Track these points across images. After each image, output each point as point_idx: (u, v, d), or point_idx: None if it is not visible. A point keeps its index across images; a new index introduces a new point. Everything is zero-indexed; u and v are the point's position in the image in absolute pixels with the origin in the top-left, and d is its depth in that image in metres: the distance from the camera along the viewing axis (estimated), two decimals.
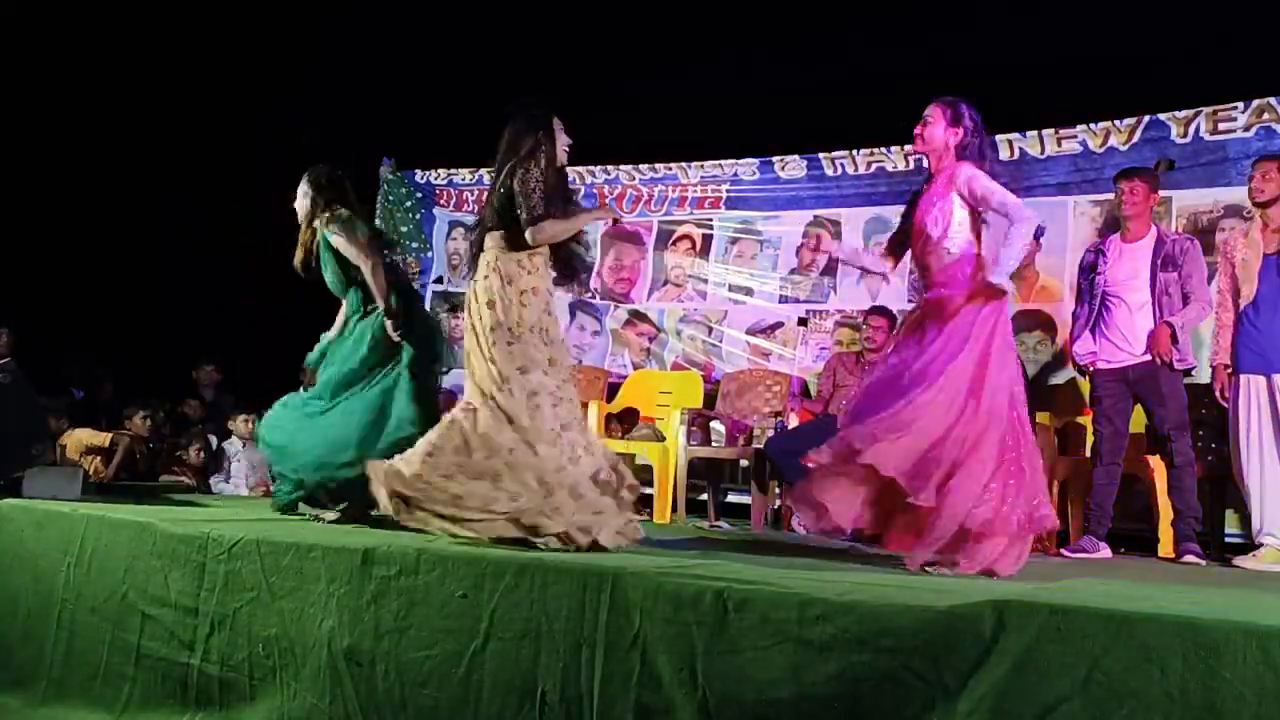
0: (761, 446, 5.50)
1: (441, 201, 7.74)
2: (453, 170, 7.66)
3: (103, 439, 5.80)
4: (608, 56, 6.93)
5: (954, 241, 3.42)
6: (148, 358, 6.92)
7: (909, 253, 3.65)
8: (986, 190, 3.39)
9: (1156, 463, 4.61)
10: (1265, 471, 4.19)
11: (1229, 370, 4.34)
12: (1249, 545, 4.31)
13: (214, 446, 6.10)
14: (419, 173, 7.74)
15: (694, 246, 6.88)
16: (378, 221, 7.74)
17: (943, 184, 3.46)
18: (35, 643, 3.70)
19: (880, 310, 5.60)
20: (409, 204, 7.73)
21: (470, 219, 7.61)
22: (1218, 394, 4.39)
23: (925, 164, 3.62)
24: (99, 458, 5.77)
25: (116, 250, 7.24)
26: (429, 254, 7.73)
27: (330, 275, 4.28)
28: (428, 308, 7.71)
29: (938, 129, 3.47)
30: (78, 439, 5.81)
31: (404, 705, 2.88)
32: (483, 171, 7.54)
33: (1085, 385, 4.83)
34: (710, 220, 6.82)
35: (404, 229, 7.72)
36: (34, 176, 6.84)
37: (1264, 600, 2.81)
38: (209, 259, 6.90)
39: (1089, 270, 4.60)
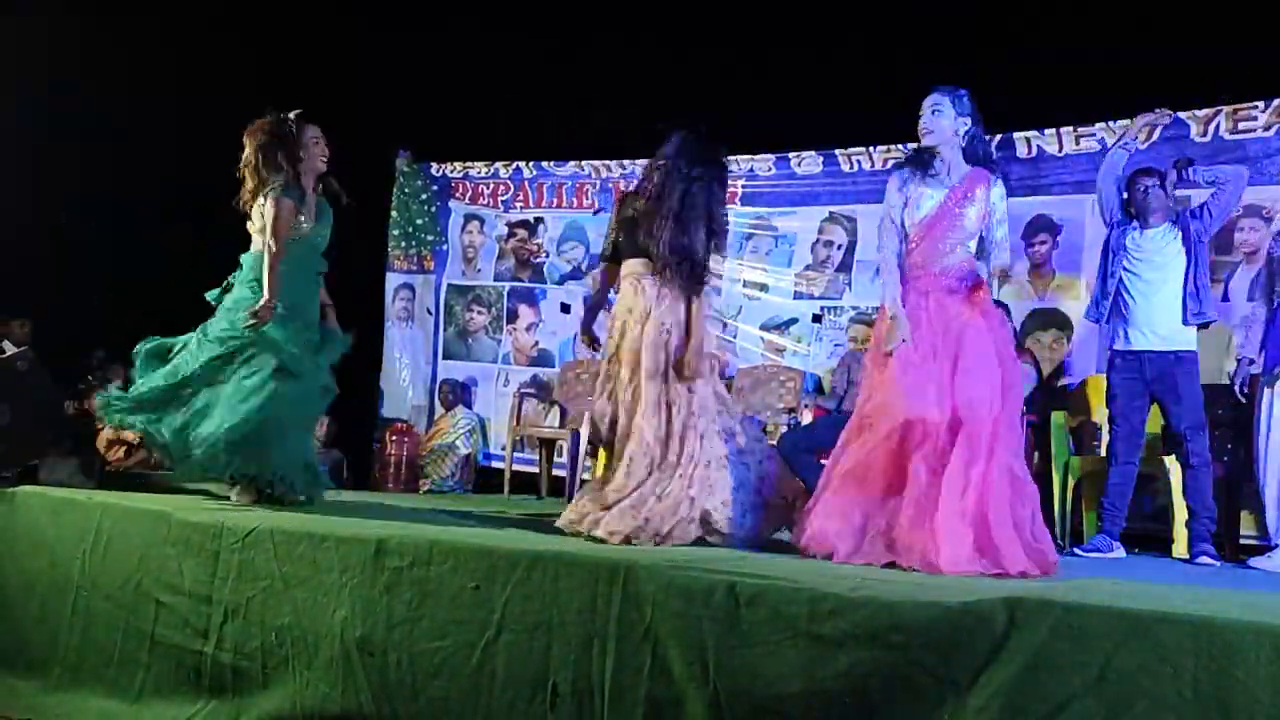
0: (775, 443, 5.49)
1: (457, 194, 7.75)
2: (469, 163, 7.67)
3: (134, 434, 5.83)
4: (622, 51, 6.93)
5: (972, 244, 3.47)
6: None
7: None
8: (1006, 215, 3.47)
9: (1172, 463, 4.59)
10: None
11: (1253, 365, 4.32)
12: (1265, 547, 4.28)
13: None
14: (434, 165, 7.75)
15: None
16: (393, 213, 7.77)
17: (974, 184, 3.44)
18: (50, 629, 3.73)
19: None
20: (424, 196, 7.74)
21: (486, 212, 7.62)
22: (1236, 388, 4.36)
23: (939, 154, 3.51)
24: (123, 448, 5.81)
25: (135, 240, 7.28)
26: (444, 247, 7.74)
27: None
28: (440, 301, 7.75)
29: (946, 118, 3.45)
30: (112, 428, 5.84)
31: (415, 696, 2.89)
32: (498, 165, 7.55)
33: (1101, 384, 4.81)
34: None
35: (419, 221, 7.73)
36: (53, 166, 6.88)
37: (1278, 602, 2.79)
38: (222, 250, 6.94)
39: (1113, 245, 4.56)
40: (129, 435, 5.85)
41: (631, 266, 3.77)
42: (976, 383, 3.27)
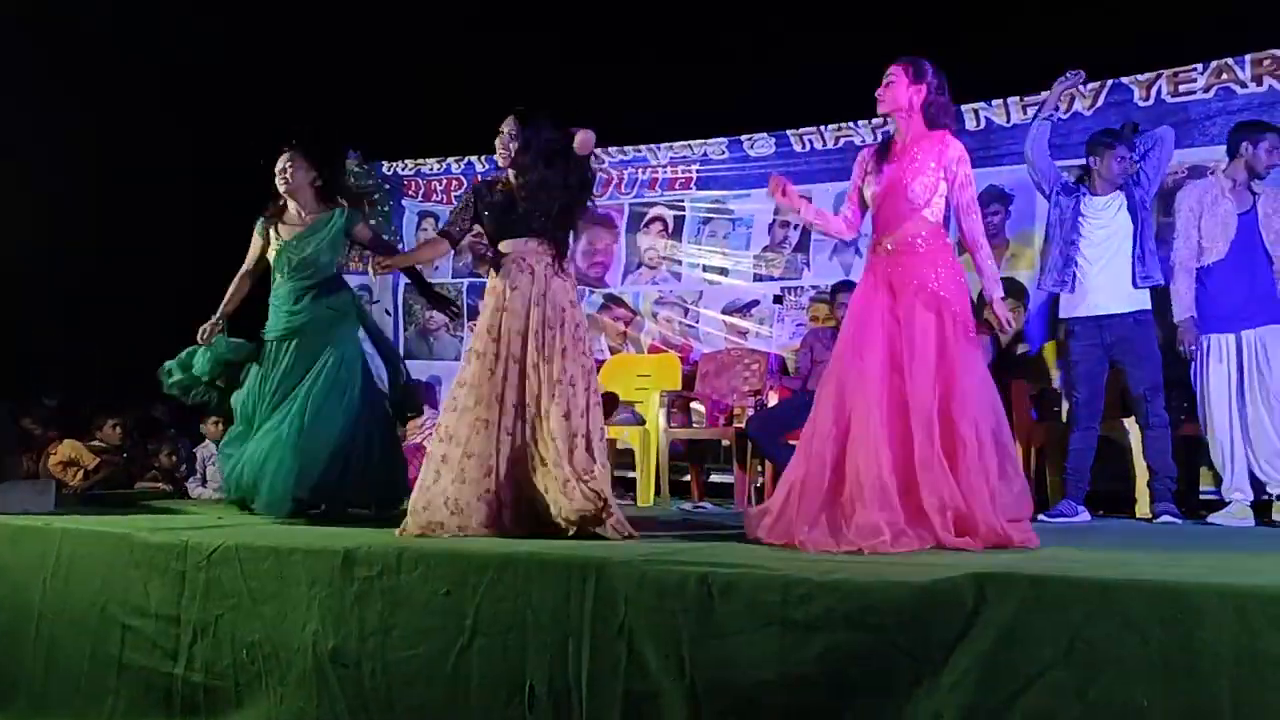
0: (742, 426, 5.50)
1: (410, 192, 7.68)
2: (420, 160, 7.59)
3: (90, 459, 5.72)
4: (571, 41, 6.87)
5: (933, 210, 3.47)
6: (118, 362, 6.83)
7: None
8: (969, 178, 3.48)
9: (1131, 424, 4.65)
10: (1234, 429, 4.25)
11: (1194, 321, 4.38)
12: (1223, 502, 4.36)
13: (186, 450, 6.05)
14: (385, 164, 7.67)
15: (666, 228, 6.86)
16: None
17: (928, 152, 3.44)
18: (13, 658, 3.66)
19: (849, 286, 5.59)
20: (377, 196, 7.65)
21: (440, 208, 7.55)
22: (1184, 349, 4.42)
23: (890, 126, 3.58)
24: (78, 471, 5.70)
25: (90, 253, 7.14)
26: (400, 246, 7.65)
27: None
28: (399, 301, 7.67)
29: (899, 88, 3.46)
30: (65, 450, 5.72)
31: (391, 705, 2.86)
32: (450, 160, 7.48)
33: (1056, 351, 4.87)
34: (682, 201, 6.80)
35: (372, 221, 7.64)
36: (15, 180, 6.71)
37: (1237, 559, 2.84)
38: (179, 256, 6.82)
39: (1063, 213, 4.59)
40: (87, 462, 5.74)
41: (514, 246, 3.72)
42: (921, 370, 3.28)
